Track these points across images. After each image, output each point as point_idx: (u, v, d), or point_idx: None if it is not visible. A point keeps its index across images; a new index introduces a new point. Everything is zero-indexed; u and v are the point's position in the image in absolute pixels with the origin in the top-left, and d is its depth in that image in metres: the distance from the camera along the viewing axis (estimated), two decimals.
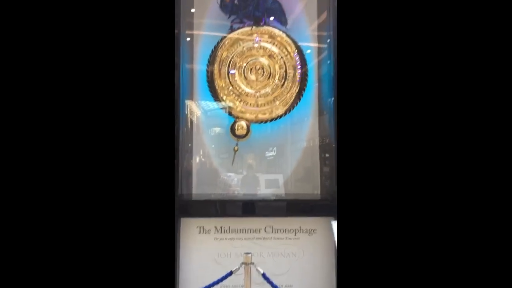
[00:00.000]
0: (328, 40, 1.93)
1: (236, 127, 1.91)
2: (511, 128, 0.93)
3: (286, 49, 1.92)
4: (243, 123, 1.91)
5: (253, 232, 1.75)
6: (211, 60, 1.92)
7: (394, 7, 1.03)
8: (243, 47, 1.91)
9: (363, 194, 1.02)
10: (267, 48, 1.92)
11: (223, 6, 1.95)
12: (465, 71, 0.97)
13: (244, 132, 1.91)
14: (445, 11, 0.99)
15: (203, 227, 1.75)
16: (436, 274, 0.96)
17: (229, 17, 1.96)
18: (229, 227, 1.75)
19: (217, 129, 2.03)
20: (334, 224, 1.63)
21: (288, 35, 1.93)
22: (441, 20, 1.00)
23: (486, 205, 0.94)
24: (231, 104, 1.91)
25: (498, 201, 0.93)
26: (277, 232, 1.76)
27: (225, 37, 1.93)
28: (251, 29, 1.93)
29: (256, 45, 1.92)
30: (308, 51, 2.00)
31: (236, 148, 1.93)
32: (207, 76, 1.92)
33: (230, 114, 1.92)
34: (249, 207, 1.75)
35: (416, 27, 1.02)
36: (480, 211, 0.94)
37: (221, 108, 1.94)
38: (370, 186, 1.02)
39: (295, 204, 1.80)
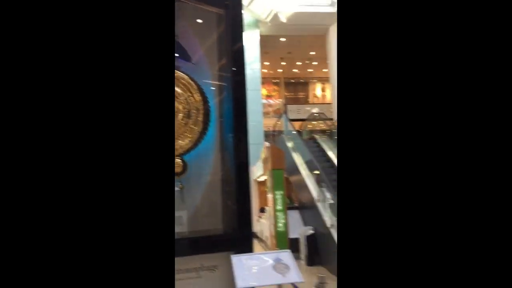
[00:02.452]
0: (229, 80, 2.06)
1: None
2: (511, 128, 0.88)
3: (190, 90, 1.98)
4: (178, 160, 1.87)
5: None
6: None
7: None
8: None
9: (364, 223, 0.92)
10: None
11: None
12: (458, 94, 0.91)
13: (181, 169, 1.88)
14: (425, 50, 0.94)
15: None
16: None
17: None
18: None
19: None
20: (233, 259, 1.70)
21: (190, 77, 1.99)
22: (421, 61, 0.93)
23: (490, 219, 0.86)
24: None
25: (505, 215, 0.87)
26: (179, 272, 1.74)
27: None
28: None
29: None
30: (213, 88, 2.09)
31: (181, 186, 1.87)
32: None
33: None
34: None
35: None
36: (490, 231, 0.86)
37: None
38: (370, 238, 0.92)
39: (198, 241, 1.83)
